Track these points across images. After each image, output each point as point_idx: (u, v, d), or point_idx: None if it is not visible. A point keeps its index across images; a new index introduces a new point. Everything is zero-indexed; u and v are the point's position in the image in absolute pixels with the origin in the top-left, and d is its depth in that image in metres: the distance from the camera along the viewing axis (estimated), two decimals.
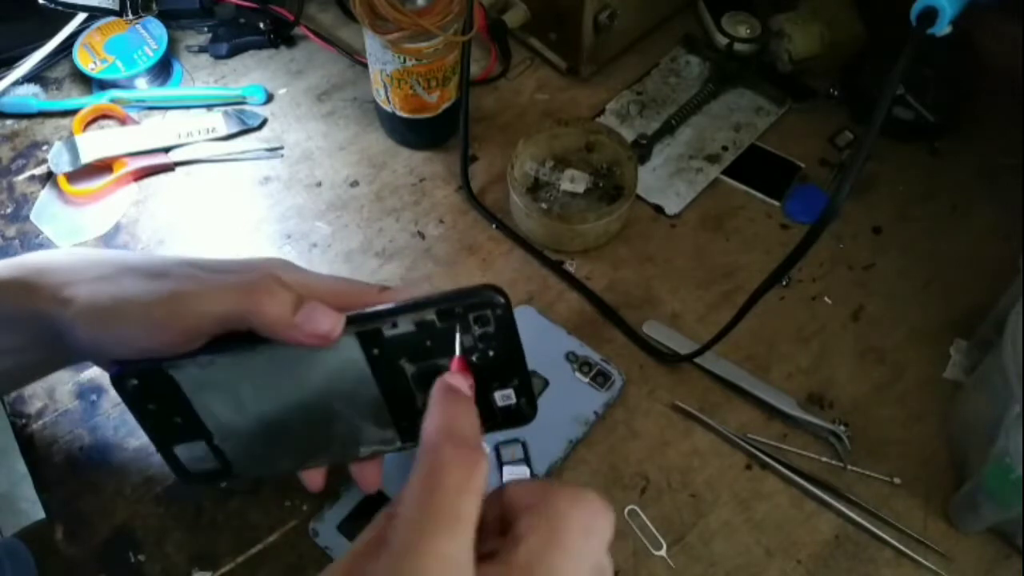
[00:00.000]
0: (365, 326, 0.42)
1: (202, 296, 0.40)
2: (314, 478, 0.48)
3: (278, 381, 0.44)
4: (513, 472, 0.54)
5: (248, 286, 0.40)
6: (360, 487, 0.49)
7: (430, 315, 0.41)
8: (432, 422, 0.33)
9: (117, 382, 0.43)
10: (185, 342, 0.41)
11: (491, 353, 0.42)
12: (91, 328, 0.41)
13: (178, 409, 0.44)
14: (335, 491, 0.53)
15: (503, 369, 0.43)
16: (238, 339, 0.42)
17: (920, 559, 0.52)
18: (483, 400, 0.42)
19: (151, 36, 0.74)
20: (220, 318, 0.40)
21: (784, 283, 0.64)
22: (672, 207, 0.68)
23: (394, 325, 0.41)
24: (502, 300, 0.41)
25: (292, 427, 0.45)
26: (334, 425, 0.45)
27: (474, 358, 0.42)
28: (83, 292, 0.41)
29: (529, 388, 0.43)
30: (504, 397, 0.44)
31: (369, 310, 0.42)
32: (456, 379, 0.36)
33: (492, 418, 0.43)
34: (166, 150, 0.70)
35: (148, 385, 0.43)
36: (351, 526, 0.52)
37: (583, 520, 0.32)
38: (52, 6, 0.67)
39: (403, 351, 0.42)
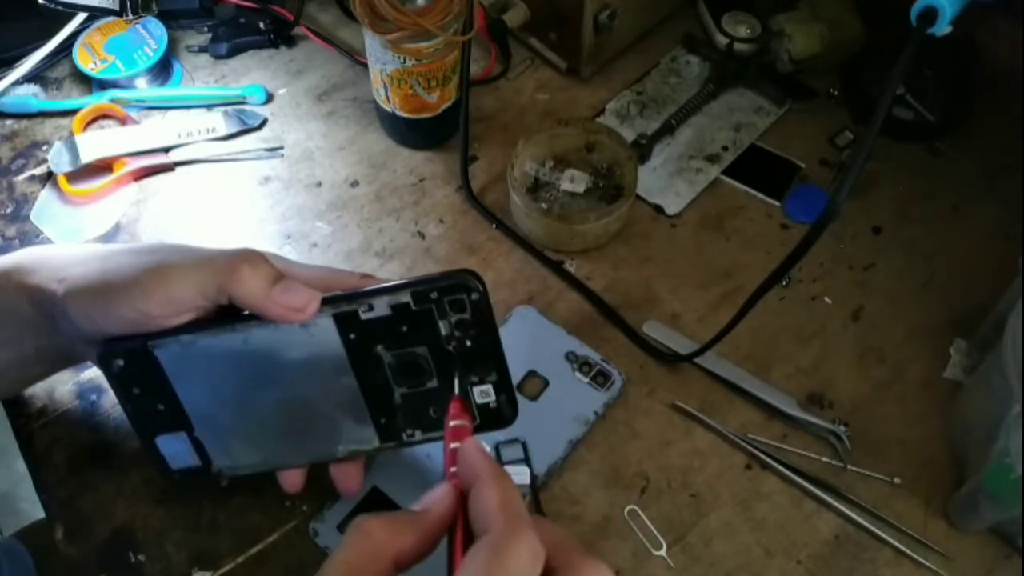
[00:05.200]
0: (341, 307, 0.42)
1: (185, 267, 0.42)
2: (292, 478, 0.48)
3: (257, 367, 0.44)
4: (513, 472, 0.53)
5: (229, 258, 0.42)
6: (340, 491, 0.49)
7: (405, 297, 0.41)
8: (490, 498, 0.32)
9: (103, 361, 0.43)
10: (169, 313, 0.42)
11: (468, 343, 0.42)
12: (81, 303, 0.42)
13: (161, 394, 0.44)
14: (335, 491, 0.52)
15: (480, 360, 0.43)
16: (220, 321, 0.43)
17: (920, 559, 0.52)
18: (462, 396, 0.43)
19: (151, 36, 0.74)
20: (202, 288, 0.41)
21: (784, 283, 0.64)
22: (672, 207, 0.68)
23: (370, 308, 0.42)
24: (479, 285, 0.41)
25: (271, 419, 0.45)
26: (312, 419, 0.45)
27: (450, 347, 0.42)
28: (76, 273, 0.43)
29: (509, 386, 0.43)
30: (483, 393, 0.44)
31: (345, 291, 0.42)
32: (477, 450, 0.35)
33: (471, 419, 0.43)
34: (166, 150, 0.70)
35: (133, 366, 0.43)
36: None
37: None
38: (52, 6, 0.67)
39: (379, 336, 0.42)
